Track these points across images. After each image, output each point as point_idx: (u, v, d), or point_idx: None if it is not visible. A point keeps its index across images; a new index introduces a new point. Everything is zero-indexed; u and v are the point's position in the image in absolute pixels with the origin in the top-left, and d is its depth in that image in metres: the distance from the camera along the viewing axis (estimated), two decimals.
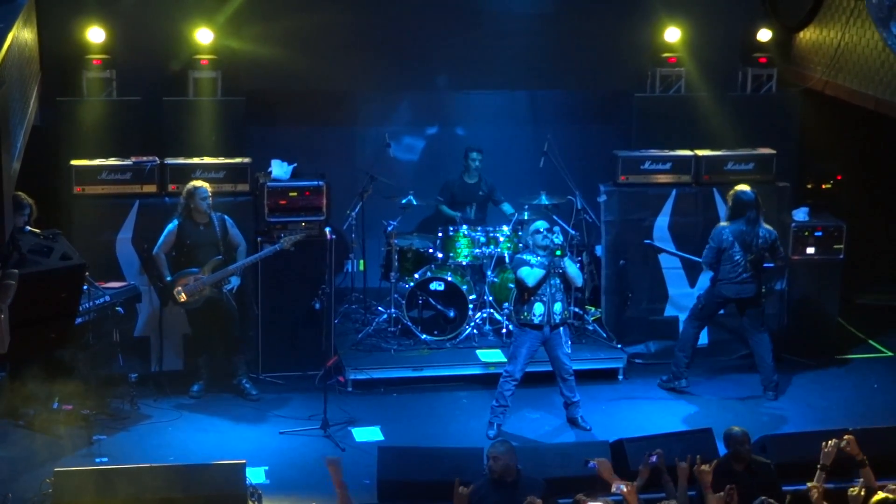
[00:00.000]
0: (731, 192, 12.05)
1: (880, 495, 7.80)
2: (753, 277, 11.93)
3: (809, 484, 8.18)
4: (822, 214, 13.33)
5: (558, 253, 11.01)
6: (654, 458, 8.66)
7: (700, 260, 12.25)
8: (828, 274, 13.16)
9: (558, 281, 11.12)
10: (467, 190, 13.51)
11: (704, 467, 8.40)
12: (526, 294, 11.06)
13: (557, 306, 11.09)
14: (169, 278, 11.65)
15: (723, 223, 12.04)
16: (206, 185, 11.73)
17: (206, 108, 12.64)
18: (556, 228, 11.40)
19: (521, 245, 12.04)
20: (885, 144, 14.11)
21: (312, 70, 13.20)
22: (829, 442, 8.64)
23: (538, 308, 11.04)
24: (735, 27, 13.79)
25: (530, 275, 10.99)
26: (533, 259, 11.08)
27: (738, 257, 11.86)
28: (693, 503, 8.58)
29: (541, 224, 11.22)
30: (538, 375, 12.14)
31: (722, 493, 8.06)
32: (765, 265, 12.07)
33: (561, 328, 11.18)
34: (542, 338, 11.14)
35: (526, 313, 11.08)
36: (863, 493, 7.96)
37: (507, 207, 13.47)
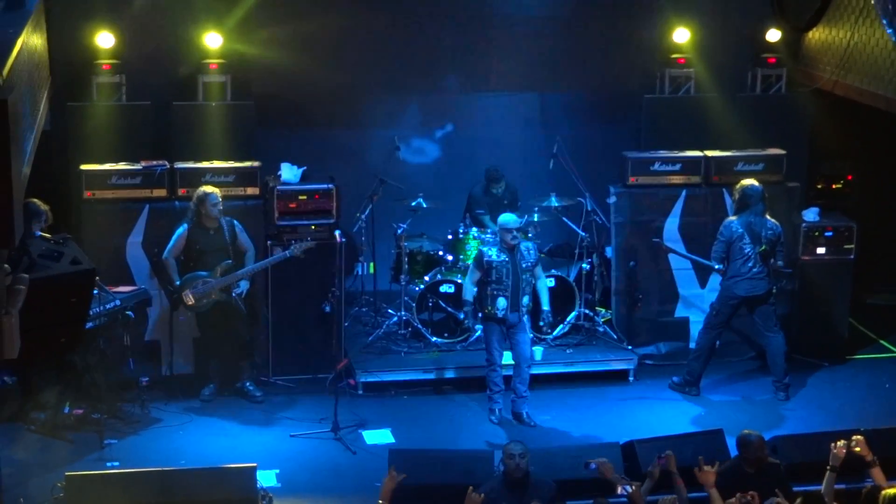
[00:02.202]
0: (738, 186, 12.04)
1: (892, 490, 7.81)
2: (765, 273, 11.92)
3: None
4: (832, 214, 13.31)
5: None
6: (663, 461, 8.64)
7: (708, 262, 12.22)
8: (839, 274, 13.14)
9: (528, 276, 11.41)
10: (495, 201, 13.48)
11: (707, 468, 8.36)
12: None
13: (525, 298, 11.38)
14: (178, 282, 11.67)
15: (730, 217, 12.03)
16: (216, 190, 11.74)
17: (216, 112, 12.65)
18: (532, 245, 11.60)
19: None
20: (895, 144, 14.06)
21: (321, 73, 13.23)
22: (838, 443, 8.63)
23: (500, 302, 11.28)
24: (744, 28, 13.77)
25: (465, 287, 11.57)
26: (494, 254, 11.29)
27: (748, 250, 11.84)
28: None
29: (512, 222, 11.35)
30: (547, 377, 12.18)
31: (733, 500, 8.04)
32: (780, 267, 12.05)
33: (524, 318, 11.42)
34: (507, 326, 11.39)
35: (490, 307, 11.34)
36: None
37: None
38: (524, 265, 11.35)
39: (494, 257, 11.32)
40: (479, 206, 13.40)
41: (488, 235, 12.94)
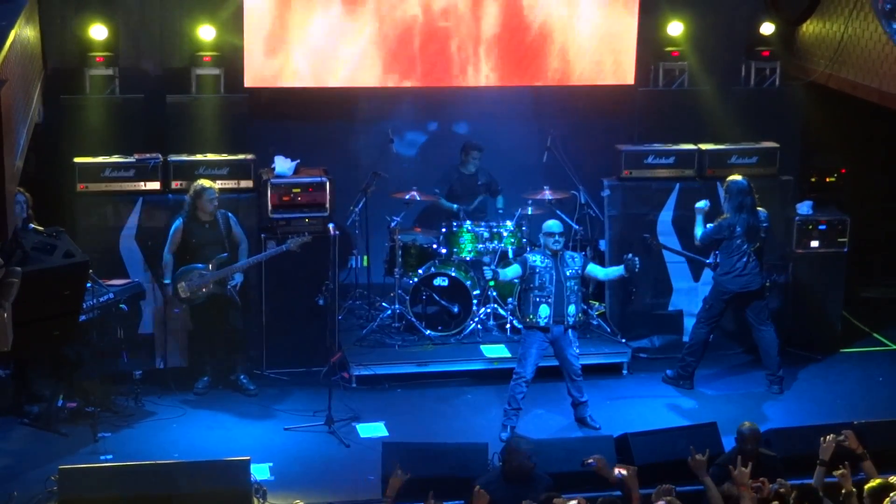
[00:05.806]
0: (726, 185, 12.01)
1: (876, 481, 7.84)
2: (759, 269, 11.94)
3: (836, 473, 8.20)
4: (826, 208, 13.31)
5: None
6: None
7: (699, 258, 12.24)
8: (832, 267, 13.16)
9: (573, 283, 11.11)
10: (465, 181, 13.48)
11: (699, 456, 8.43)
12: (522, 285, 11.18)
13: (571, 308, 11.09)
14: (171, 279, 11.66)
15: (725, 216, 11.98)
16: (214, 185, 11.73)
17: (209, 105, 12.64)
18: (578, 254, 11.52)
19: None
20: (888, 137, 14.09)
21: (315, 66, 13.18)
22: (828, 437, 8.65)
23: (543, 310, 11.03)
24: (738, 21, 13.78)
25: (503, 273, 11.22)
26: (538, 260, 11.10)
27: (744, 247, 11.86)
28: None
29: (555, 227, 11.20)
30: (542, 371, 12.14)
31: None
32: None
33: (570, 332, 11.17)
34: (550, 338, 11.14)
35: (532, 315, 11.08)
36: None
37: (500, 201, 13.49)
38: (568, 273, 11.10)
39: (539, 263, 11.08)
40: (440, 185, 13.36)
41: (482, 229, 12.94)
